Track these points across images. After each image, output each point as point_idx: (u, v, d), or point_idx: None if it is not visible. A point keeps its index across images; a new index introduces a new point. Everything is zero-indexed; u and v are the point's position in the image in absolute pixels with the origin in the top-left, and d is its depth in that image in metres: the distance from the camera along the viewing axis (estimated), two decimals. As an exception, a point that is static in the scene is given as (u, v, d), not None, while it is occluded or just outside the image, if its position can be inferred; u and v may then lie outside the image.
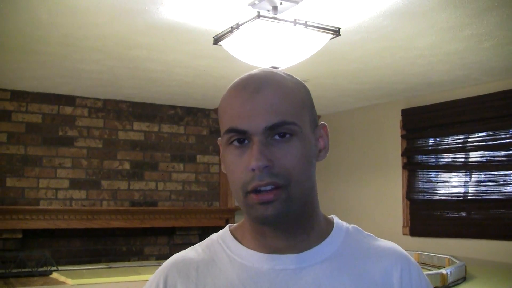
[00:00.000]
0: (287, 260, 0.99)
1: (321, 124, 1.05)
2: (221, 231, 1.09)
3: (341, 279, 0.98)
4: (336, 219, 1.09)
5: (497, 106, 4.59)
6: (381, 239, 1.08)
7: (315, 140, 1.01)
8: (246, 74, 1.01)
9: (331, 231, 1.05)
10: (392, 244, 1.07)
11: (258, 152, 0.92)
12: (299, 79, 1.04)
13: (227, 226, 1.10)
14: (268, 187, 0.92)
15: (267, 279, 0.97)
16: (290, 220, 0.97)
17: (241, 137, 0.95)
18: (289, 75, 1.02)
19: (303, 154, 0.96)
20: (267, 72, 1.01)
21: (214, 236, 1.09)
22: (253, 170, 0.92)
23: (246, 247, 1.02)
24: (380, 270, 1.01)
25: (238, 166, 0.95)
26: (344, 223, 1.08)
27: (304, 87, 1.03)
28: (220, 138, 1.00)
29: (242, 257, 1.01)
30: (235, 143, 0.96)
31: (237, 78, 1.01)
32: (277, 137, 0.94)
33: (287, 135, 0.94)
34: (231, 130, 0.95)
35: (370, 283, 0.99)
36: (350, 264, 1.01)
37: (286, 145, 0.94)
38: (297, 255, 0.99)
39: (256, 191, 0.93)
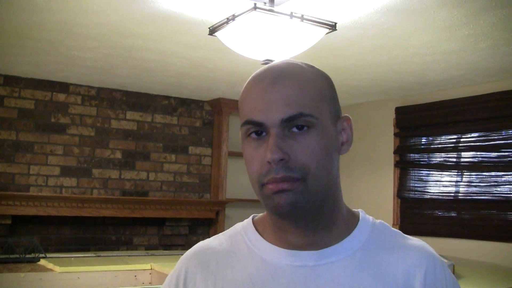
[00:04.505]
0: (307, 257, 0.98)
1: (344, 116, 1.02)
2: (245, 221, 1.09)
3: (360, 278, 0.96)
4: (362, 214, 1.07)
5: (491, 107, 4.60)
6: (409, 237, 1.05)
7: (337, 133, 0.99)
8: (266, 65, 1.00)
9: (356, 227, 1.03)
10: (420, 242, 1.04)
11: (274, 144, 0.91)
12: (322, 70, 1.02)
13: (251, 216, 1.09)
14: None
15: (286, 275, 0.97)
16: (308, 215, 0.96)
17: (258, 129, 0.94)
18: (310, 66, 1.01)
19: (322, 147, 0.94)
20: (286, 63, 0.99)
21: (238, 226, 1.09)
22: (268, 163, 0.91)
23: (267, 240, 1.02)
24: (403, 270, 0.98)
25: (255, 159, 0.94)
26: (371, 218, 1.06)
27: (326, 78, 1.01)
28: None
29: (262, 251, 1.01)
30: (253, 135, 0.95)
31: (258, 70, 1.00)
32: (295, 129, 0.92)
33: (305, 128, 0.93)
34: (248, 122, 0.95)
35: (391, 283, 0.96)
36: (372, 263, 0.98)
37: (304, 137, 0.92)
38: (317, 252, 0.98)
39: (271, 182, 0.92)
